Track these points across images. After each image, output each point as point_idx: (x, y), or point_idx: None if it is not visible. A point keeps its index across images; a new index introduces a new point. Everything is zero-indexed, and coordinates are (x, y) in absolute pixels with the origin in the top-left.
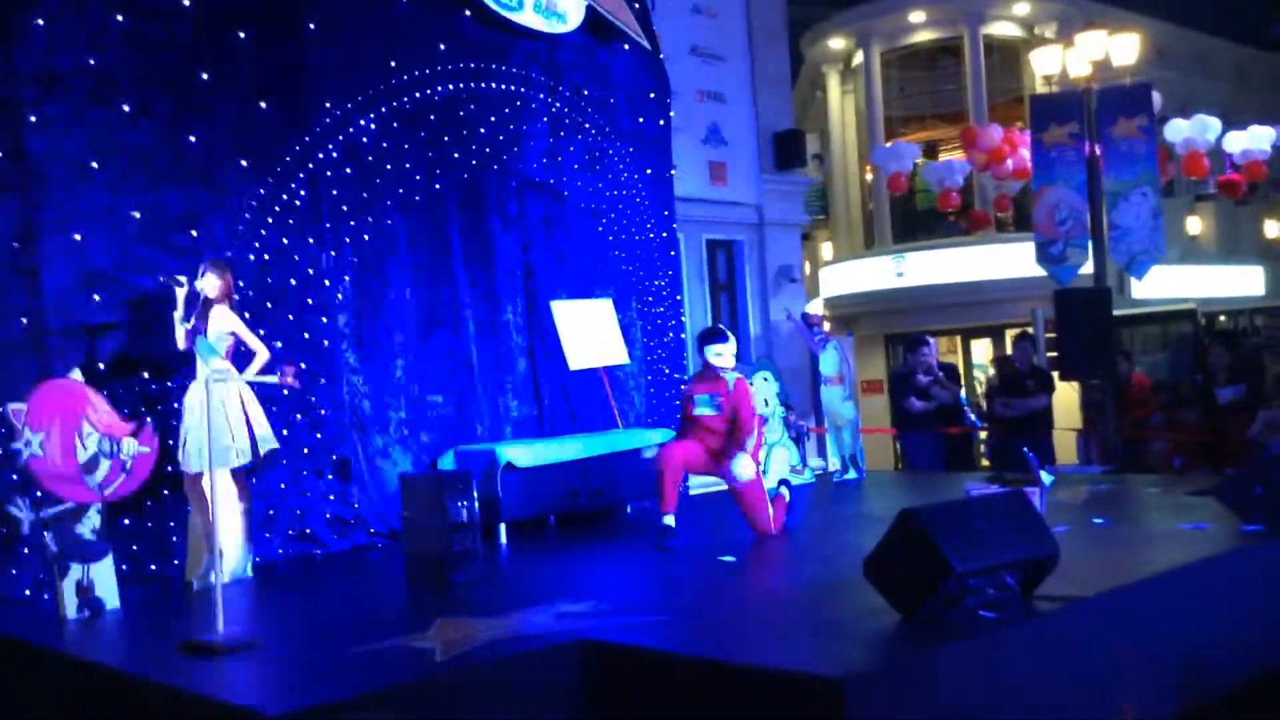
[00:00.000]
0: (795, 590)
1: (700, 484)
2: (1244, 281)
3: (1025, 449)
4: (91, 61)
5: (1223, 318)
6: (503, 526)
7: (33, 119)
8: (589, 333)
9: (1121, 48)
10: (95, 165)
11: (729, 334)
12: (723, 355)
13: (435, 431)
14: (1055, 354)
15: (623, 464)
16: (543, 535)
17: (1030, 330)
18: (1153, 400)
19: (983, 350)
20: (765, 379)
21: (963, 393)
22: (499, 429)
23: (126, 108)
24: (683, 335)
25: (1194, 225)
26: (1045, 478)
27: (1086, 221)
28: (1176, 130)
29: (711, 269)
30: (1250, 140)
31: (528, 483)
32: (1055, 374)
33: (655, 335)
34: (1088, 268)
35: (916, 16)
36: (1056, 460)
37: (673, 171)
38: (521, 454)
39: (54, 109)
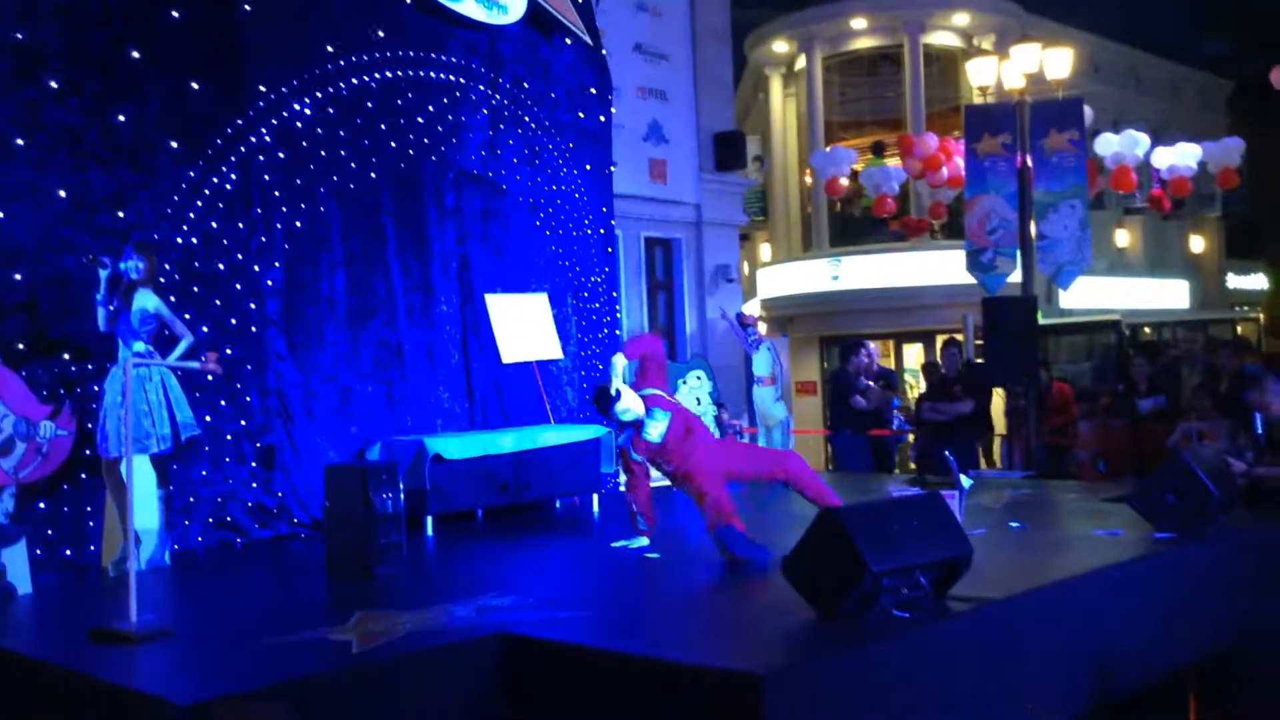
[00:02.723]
0: (716, 588)
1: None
2: (1169, 294)
3: (946, 453)
4: (19, 36)
5: (1146, 329)
6: (429, 519)
7: None
8: (523, 327)
9: (1055, 61)
10: (20, 142)
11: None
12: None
13: (364, 422)
14: (980, 360)
15: (553, 459)
16: (470, 529)
17: (960, 336)
18: (1073, 408)
19: (915, 355)
20: (699, 378)
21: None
22: (430, 421)
23: (54, 84)
24: (618, 331)
25: (1122, 238)
26: (965, 481)
27: (1016, 231)
28: (1107, 144)
29: (649, 267)
30: (1177, 156)
31: (456, 475)
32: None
33: (590, 331)
34: (1016, 276)
35: (858, 23)
36: (982, 464)
37: (612, 168)
38: (451, 446)
39: None
